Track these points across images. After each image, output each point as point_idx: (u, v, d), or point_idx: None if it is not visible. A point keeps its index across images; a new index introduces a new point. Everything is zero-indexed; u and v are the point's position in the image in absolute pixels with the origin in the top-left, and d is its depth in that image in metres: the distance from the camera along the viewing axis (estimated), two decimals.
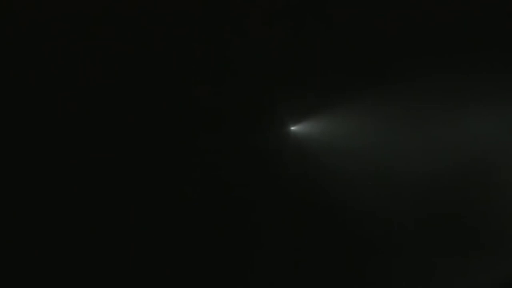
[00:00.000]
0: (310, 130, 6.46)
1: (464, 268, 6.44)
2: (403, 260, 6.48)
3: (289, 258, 6.46)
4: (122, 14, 6.29)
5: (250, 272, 6.41)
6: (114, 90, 6.35)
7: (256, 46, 6.39)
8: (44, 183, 6.25)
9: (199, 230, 6.38)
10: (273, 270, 6.42)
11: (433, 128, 6.59)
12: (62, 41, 6.27)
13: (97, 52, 6.30)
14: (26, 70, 6.25)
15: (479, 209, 6.57)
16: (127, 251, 6.28)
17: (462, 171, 6.57)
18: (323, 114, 6.47)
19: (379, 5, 6.49)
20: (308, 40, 6.45)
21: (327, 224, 6.50)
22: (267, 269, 6.43)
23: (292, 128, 6.46)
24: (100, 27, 6.26)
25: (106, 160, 6.31)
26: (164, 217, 6.35)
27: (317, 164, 6.50)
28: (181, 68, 6.39)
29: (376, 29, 6.49)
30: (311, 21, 6.46)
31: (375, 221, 6.50)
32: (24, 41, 6.24)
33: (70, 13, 6.25)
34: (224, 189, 6.44)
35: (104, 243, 6.25)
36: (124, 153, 6.33)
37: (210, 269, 6.37)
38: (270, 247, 6.44)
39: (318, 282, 6.43)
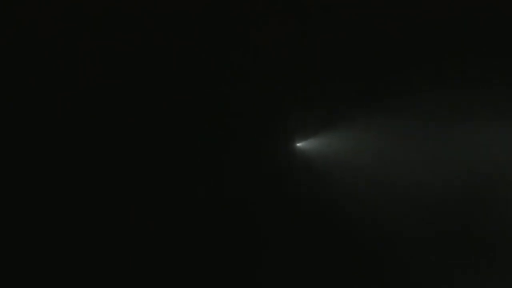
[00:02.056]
0: (316, 146, 6.45)
1: (477, 282, 6.43)
2: (414, 274, 6.46)
3: (298, 273, 6.38)
4: (123, 14, 6.16)
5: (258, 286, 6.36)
6: (116, 96, 6.27)
7: (264, 63, 6.35)
8: (53, 184, 6.21)
9: (205, 245, 6.33)
10: (281, 285, 6.35)
11: (442, 143, 6.58)
12: (62, 41, 6.18)
13: (109, 52, 6.23)
14: (26, 70, 6.17)
15: (487, 221, 6.56)
16: (134, 260, 6.24)
17: (471, 184, 6.57)
18: (329, 131, 6.48)
19: (386, 21, 6.37)
20: (315, 59, 6.41)
21: (335, 240, 6.46)
22: (274, 283, 6.36)
23: (298, 144, 6.47)
24: (101, 27, 6.13)
25: (108, 172, 6.27)
26: (172, 233, 6.32)
27: (323, 180, 6.48)
28: (188, 82, 6.34)
29: (384, 46, 6.42)
30: (321, 37, 6.37)
31: (383, 236, 6.47)
32: (24, 41, 6.15)
33: (70, 13, 6.15)
34: (231, 204, 6.38)
35: (109, 247, 6.22)
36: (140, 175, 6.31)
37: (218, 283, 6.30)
38: (276, 262, 6.38)
39: None
